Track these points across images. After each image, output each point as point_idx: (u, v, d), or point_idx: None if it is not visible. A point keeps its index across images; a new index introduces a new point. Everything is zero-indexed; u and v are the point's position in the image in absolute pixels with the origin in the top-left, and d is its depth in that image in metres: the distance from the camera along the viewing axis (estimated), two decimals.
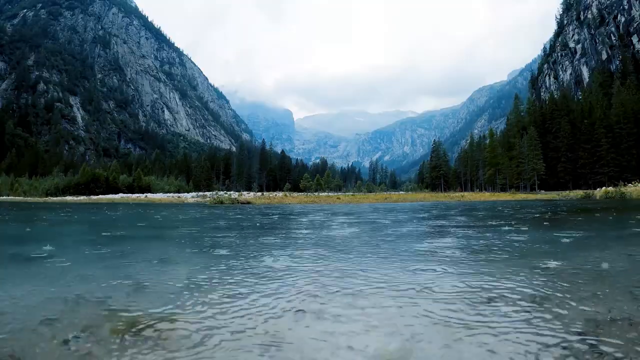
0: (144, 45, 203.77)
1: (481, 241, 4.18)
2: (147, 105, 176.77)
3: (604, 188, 23.87)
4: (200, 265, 2.83)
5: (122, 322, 1.51)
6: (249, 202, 20.45)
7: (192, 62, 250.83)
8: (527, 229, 5.56)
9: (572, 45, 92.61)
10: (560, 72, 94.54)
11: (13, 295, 1.98)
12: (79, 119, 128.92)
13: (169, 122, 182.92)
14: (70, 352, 1.25)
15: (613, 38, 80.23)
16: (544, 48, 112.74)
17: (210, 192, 41.03)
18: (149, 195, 40.55)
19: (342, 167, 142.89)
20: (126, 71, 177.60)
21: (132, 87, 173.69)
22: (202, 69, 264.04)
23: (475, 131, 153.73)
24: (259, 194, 39.18)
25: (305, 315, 1.60)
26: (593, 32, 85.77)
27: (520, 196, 29.72)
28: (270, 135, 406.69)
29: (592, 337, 1.31)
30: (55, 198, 41.30)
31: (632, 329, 1.38)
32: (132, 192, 48.41)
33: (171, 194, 42.34)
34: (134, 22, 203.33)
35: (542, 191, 44.36)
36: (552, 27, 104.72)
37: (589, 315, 1.54)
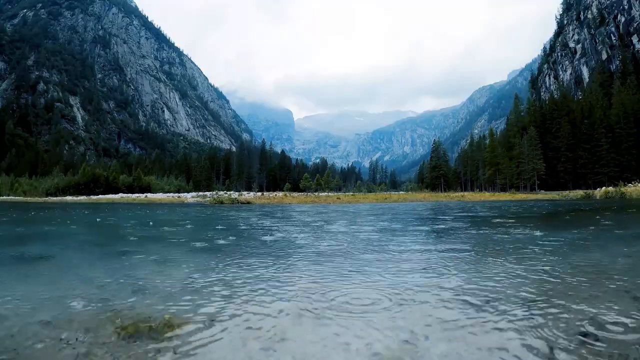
0: (144, 45, 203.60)
1: (481, 241, 4.18)
2: (147, 105, 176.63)
3: (604, 188, 23.85)
4: (200, 265, 2.83)
5: (123, 322, 1.51)
6: (248, 202, 20.45)
7: (192, 62, 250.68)
8: (526, 228, 5.55)
9: (572, 45, 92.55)
10: (560, 72, 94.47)
11: (15, 296, 1.98)
12: (79, 119, 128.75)
13: (169, 122, 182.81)
14: (71, 352, 1.25)
15: (613, 38, 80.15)
16: (544, 48, 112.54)
17: (210, 192, 40.97)
18: (149, 195, 40.52)
19: (342, 167, 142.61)
20: (126, 71, 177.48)
21: (132, 87, 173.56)
22: (202, 69, 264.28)
23: (475, 131, 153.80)
24: (259, 193, 39.13)
25: (306, 315, 1.60)
26: (593, 32, 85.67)
27: (520, 196, 29.72)
28: (270, 135, 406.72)
29: (592, 338, 1.30)
30: (55, 198, 41.29)
31: (632, 330, 1.38)
32: (132, 192, 48.39)
33: (171, 194, 42.33)
34: (134, 22, 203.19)
35: (542, 191, 44.33)
36: (552, 27, 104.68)
37: (589, 316, 1.53)
